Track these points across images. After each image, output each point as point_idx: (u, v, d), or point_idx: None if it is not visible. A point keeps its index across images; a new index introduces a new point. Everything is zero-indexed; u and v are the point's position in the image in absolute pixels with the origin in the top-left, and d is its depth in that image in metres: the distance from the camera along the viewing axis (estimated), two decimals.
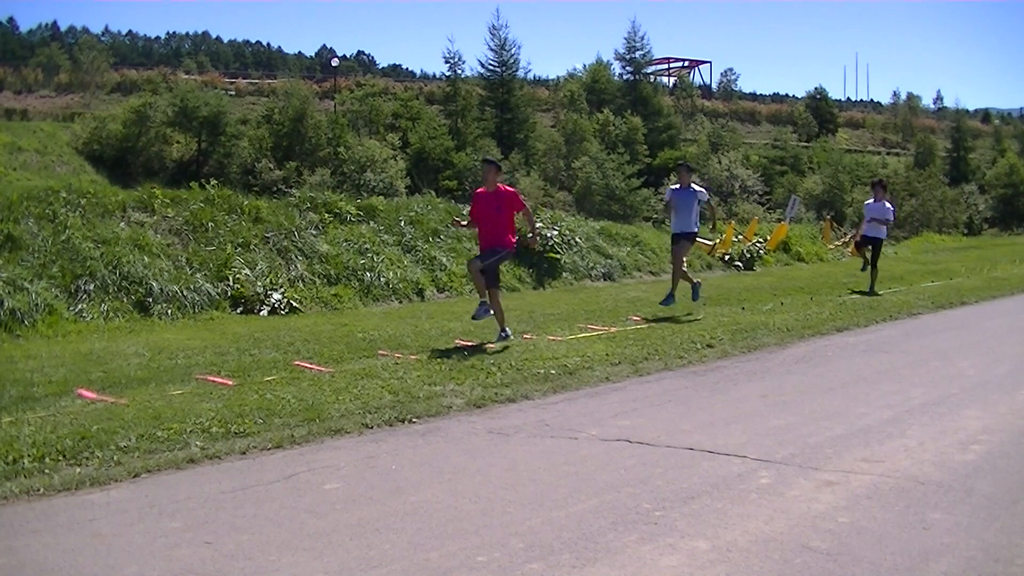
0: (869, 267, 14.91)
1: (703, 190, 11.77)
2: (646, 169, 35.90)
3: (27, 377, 7.15)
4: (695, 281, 11.87)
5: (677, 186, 11.81)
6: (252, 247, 12.81)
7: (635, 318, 11.11)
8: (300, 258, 13.10)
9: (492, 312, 9.28)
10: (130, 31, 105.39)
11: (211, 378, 7.20)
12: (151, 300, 10.88)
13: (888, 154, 53.96)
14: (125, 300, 10.74)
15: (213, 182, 15.02)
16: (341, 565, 3.68)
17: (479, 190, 9.57)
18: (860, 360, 8.66)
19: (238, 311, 11.45)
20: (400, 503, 4.43)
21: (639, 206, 30.92)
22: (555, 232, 16.78)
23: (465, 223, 10.48)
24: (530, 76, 52.29)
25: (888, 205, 15.00)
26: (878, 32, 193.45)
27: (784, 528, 4.06)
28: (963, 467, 5.01)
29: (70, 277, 10.46)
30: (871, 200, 15.27)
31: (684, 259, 12.08)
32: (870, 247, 14.98)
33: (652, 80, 51.13)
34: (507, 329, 9.34)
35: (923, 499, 4.45)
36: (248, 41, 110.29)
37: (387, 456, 5.28)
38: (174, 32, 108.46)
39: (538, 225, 16.51)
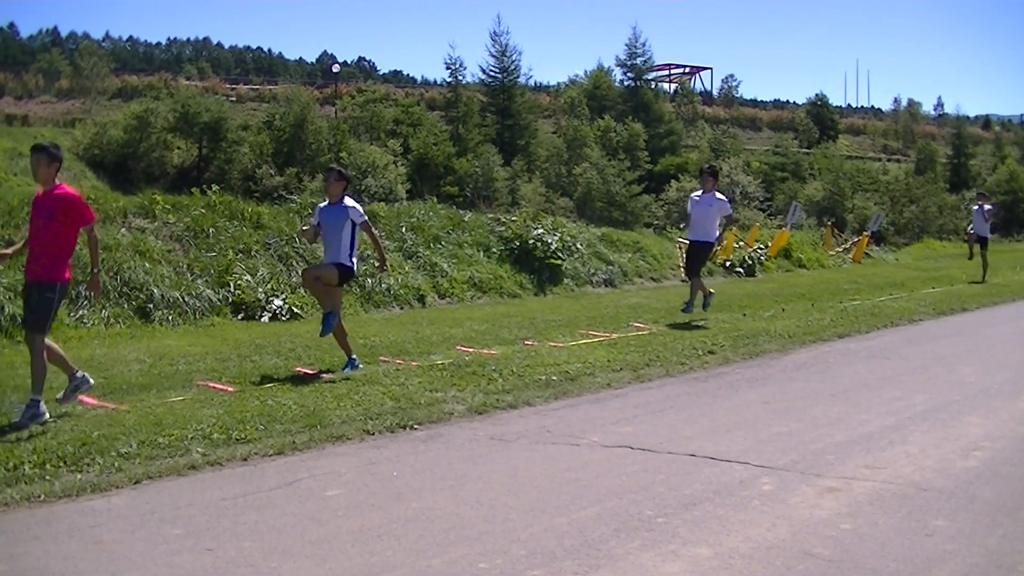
0: (691, 279, 12.07)
1: (356, 206, 8.21)
2: (647, 175, 35.90)
3: (28, 383, 7.13)
4: (351, 357, 8.13)
5: (325, 202, 8.37)
6: (253, 253, 12.82)
7: (637, 324, 11.10)
8: (301, 264, 13.09)
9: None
10: (131, 37, 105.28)
11: (212, 384, 7.20)
12: (152, 306, 10.87)
13: (889, 160, 53.91)
14: (126, 306, 10.74)
15: (214, 188, 15.03)
16: (343, 572, 3.68)
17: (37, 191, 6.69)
18: (862, 366, 8.65)
19: (239, 317, 11.45)
20: (402, 509, 4.43)
21: (640, 212, 30.87)
22: (555, 238, 16.77)
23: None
24: (531, 82, 52.37)
25: (720, 197, 11.83)
26: (879, 38, 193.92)
27: (786, 535, 4.06)
28: (965, 473, 5.00)
29: (71, 283, 10.45)
30: (698, 192, 12.06)
31: (339, 302, 8.47)
32: (696, 257, 11.99)
33: (653, 86, 51.11)
34: (42, 405, 6.09)
35: (925, 506, 4.45)
36: (249, 47, 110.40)
37: (388, 462, 5.28)
38: (175, 38, 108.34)
39: (538, 231, 16.55)
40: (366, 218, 8.28)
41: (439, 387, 7.14)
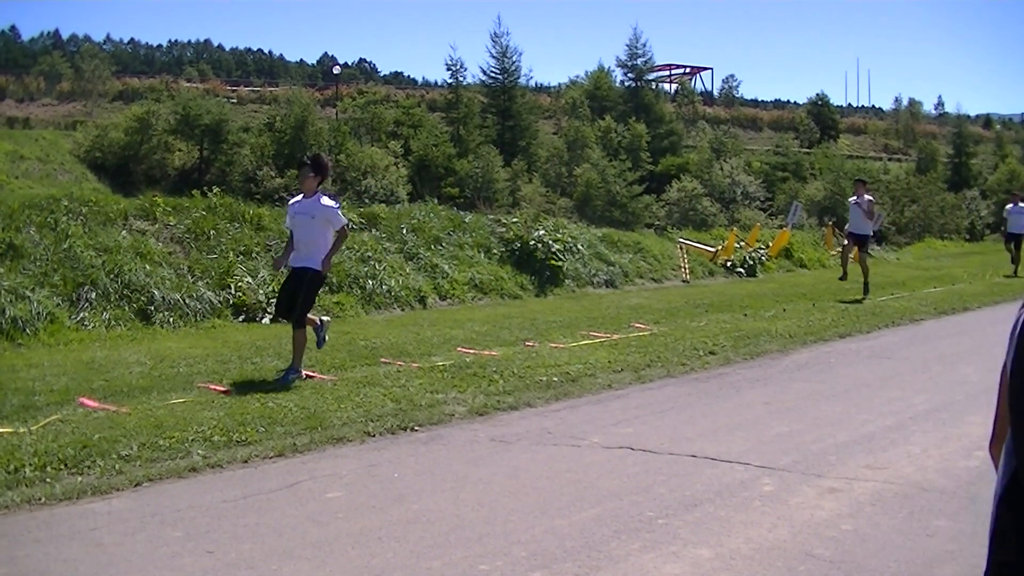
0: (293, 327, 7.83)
1: None
2: (648, 176, 35.91)
3: (29, 386, 7.14)
4: None
5: None
6: (254, 255, 12.81)
7: (638, 325, 11.09)
8: None
9: None
10: (132, 39, 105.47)
11: (213, 386, 7.19)
12: (153, 308, 10.86)
13: (890, 160, 53.88)
14: (127, 308, 10.73)
15: (215, 190, 15.02)
16: (343, 574, 3.68)
17: None
18: (863, 366, 8.64)
19: (240, 319, 11.44)
20: (402, 511, 4.42)
21: (641, 213, 30.89)
22: (556, 239, 16.76)
23: None
24: (532, 83, 52.39)
25: (327, 203, 7.97)
26: (879, 38, 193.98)
27: (787, 536, 4.05)
28: (967, 473, 4.99)
29: (72, 286, 10.46)
30: (298, 198, 8.18)
31: None
32: (296, 294, 7.83)
33: (654, 87, 51.14)
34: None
35: (927, 506, 4.44)
36: (250, 49, 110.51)
37: (389, 464, 5.27)
38: (176, 40, 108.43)
39: (539, 232, 16.53)
40: None
41: (440, 389, 7.13)
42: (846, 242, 15.36)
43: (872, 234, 15.24)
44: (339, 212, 8.09)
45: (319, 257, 7.83)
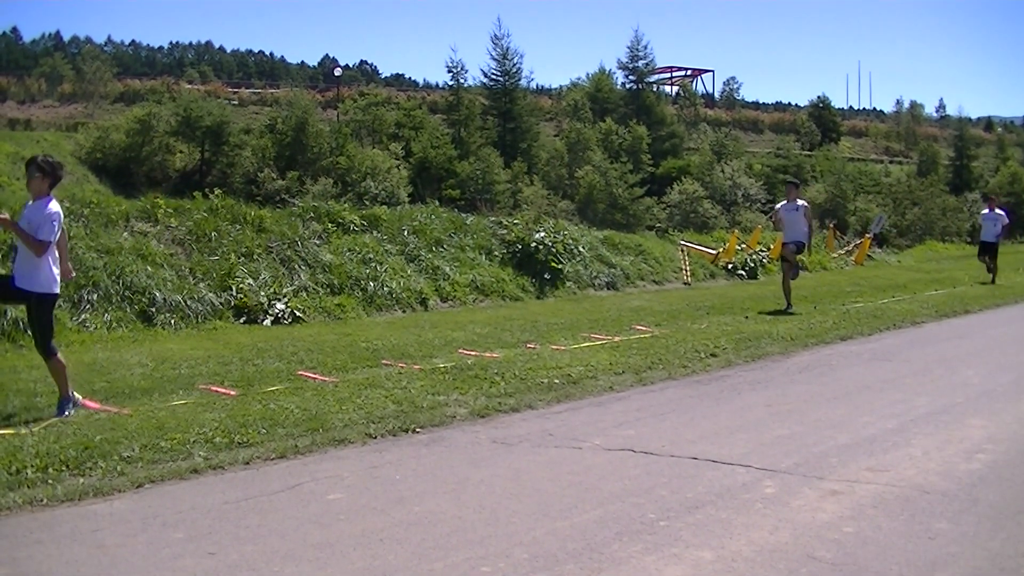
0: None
1: None
2: (649, 178, 35.89)
3: (30, 387, 7.16)
4: None
5: None
6: (255, 257, 12.82)
7: (639, 327, 11.09)
8: (303, 268, 13.11)
9: None
10: (133, 41, 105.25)
11: (214, 388, 7.20)
12: (154, 310, 10.88)
13: (891, 162, 53.86)
14: (128, 310, 10.75)
15: (216, 192, 15.05)
16: None
17: None
18: (864, 369, 8.64)
19: (241, 321, 11.46)
20: (404, 513, 4.42)
21: (642, 215, 30.87)
22: (557, 241, 16.76)
23: None
24: (533, 85, 52.43)
25: (50, 209, 6.45)
26: (880, 40, 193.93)
27: (789, 538, 4.05)
28: (968, 476, 4.99)
29: (73, 287, 10.47)
30: (30, 203, 6.74)
31: None
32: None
33: (655, 89, 51.11)
34: None
35: (928, 509, 4.44)
36: (251, 51, 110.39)
37: (391, 466, 5.28)
38: (177, 42, 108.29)
39: (540, 234, 16.53)
40: None
41: (441, 390, 7.14)
42: (787, 242, 13.42)
43: (805, 239, 13.39)
44: (53, 223, 6.42)
45: (41, 275, 6.46)
